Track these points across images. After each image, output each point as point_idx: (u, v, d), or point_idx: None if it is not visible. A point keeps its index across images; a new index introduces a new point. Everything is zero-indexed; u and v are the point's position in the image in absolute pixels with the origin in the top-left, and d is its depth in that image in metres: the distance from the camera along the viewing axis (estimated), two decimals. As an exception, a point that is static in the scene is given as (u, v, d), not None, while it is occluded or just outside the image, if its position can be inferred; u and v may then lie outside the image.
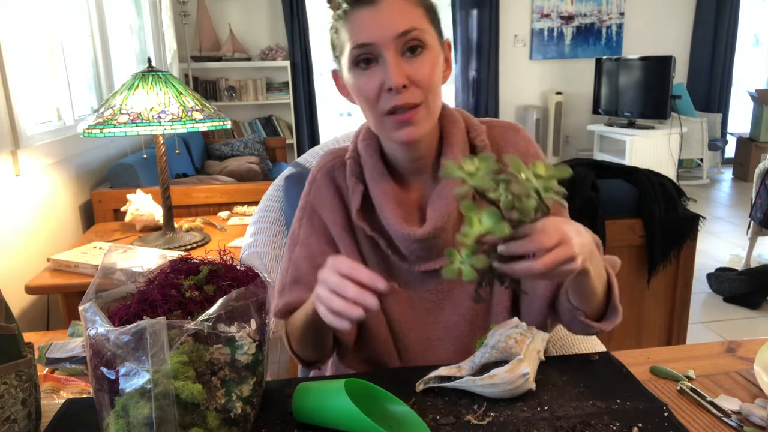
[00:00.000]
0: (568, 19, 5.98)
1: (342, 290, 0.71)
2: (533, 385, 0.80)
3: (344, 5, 0.87)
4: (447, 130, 0.95)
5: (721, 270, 3.31)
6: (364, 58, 0.86)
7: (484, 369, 0.82)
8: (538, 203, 0.66)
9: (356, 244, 0.99)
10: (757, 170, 3.36)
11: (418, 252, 0.94)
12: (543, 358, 0.86)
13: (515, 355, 0.80)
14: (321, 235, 0.99)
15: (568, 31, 6.01)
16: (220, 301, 0.66)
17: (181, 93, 1.93)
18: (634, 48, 6.04)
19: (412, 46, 0.85)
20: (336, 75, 0.96)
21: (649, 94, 5.32)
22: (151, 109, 1.85)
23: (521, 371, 0.77)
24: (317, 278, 0.76)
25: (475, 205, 0.67)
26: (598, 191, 2.01)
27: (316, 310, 0.76)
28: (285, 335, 0.99)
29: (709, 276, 3.25)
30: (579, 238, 0.74)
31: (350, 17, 0.86)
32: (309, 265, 0.97)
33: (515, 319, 0.86)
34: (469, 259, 0.68)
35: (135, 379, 0.61)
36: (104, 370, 0.63)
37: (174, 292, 0.70)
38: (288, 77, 5.40)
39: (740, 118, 6.36)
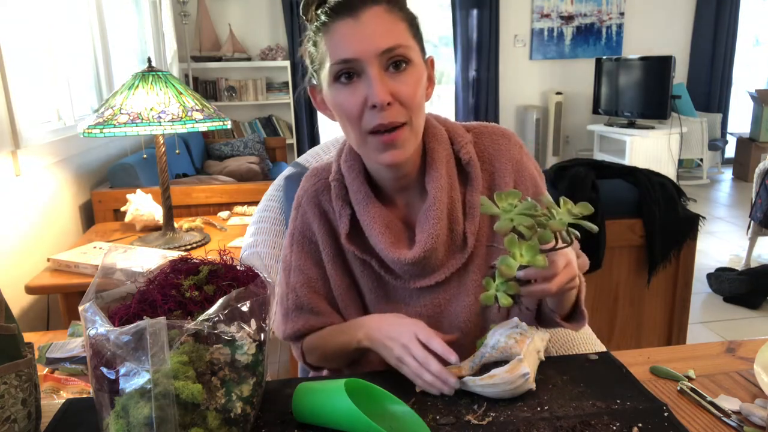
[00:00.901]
0: (568, 19, 5.98)
1: (427, 365, 0.81)
2: (533, 385, 0.80)
3: (323, 17, 0.84)
4: (430, 145, 0.93)
5: (721, 270, 3.31)
6: (346, 73, 0.82)
7: (484, 369, 0.82)
8: (566, 236, 0.76)
9: (347, 267, 0.99)
10: (757, 170, 3.36)
11: (410, 271, 0.94)
12: (543, 358, 0.86)
13: (515, 355, 0.80)
14: (314, 260, 1.00)
15: (568, 31, 6.01)
16: (220, 301, 0.66)
17: (181, 93, 1.94)
18: (634, 48, 6.04)
19: (396, 62, 0.82)
20: (313, 90, 0.92)
21: (649, 94, 5.32)
22: (151, 109, 1.85)
23: (521, 371, 0.77)
24: (385, 337, 0.86)
25: (516, 240, 0.74)
26: (598, 191, 2.01)
27: (360, 346, 0.89)
28: (300, 354, 1.02)
29: (709, 276, 3.25)
30: (572, 255, 0.82)
31: (330, 30, 0.83)
32: (308, 291, 0.99)
33: (515, 319, 0.86)
34: (503, 287, 0.77)
35: (135, 379, 0.61)
36: (104, 370, 0.63)
37: (174, 292, 0.70)
38: (288, 77, 5.40)
39: (740, 118, 6.36)
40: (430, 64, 0.91)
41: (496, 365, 0.80)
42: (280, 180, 1.38)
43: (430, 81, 0.91)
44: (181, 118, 1.86)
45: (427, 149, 0.93)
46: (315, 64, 0.88)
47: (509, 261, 0.75)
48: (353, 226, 0.95)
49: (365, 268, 0.97)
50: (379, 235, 0.92)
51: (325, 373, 1.06)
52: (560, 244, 0.77)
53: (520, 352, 0.80)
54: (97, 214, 2.52)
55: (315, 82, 0.91)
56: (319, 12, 0.85)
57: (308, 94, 0.94)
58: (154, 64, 2.04)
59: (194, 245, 2.04)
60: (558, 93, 5.90)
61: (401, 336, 0.84)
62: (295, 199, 1.02)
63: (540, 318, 0.96)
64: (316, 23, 0.85)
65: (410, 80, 0.83)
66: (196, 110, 1.91)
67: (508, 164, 0.96)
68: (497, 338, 0.83)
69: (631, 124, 5.45)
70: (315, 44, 0.87)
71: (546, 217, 0.75)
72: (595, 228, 0.76)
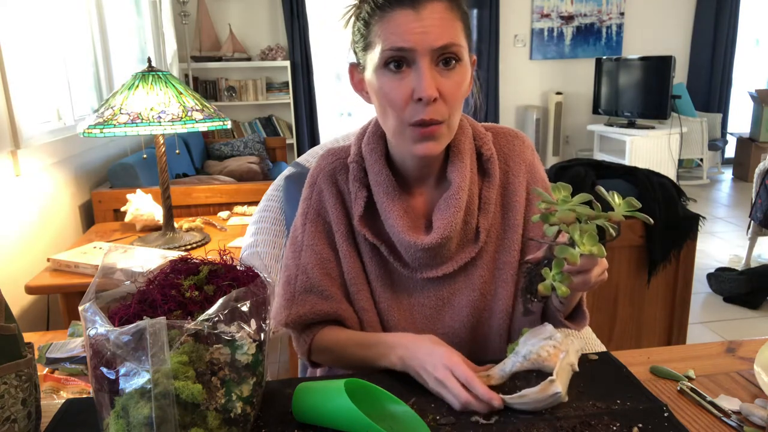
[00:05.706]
0: (568, 19, 5.98)
1: (470, 407, 0.76)
2: (565, 399, 0.77)
3: (382, 2, 0.83)
4: (456, 137, 0.94)
5: (721, 270, 3.31)
6: (396, 61, 0.83)
7: (513, 377, 0.81)
8: (611, 231, 0.77)
9: (357, 250, 0.98)
10: (757, 170, 3.36)
11: (421, 260, 0.94)
12: (577, 369, 0.82)
13: (547, 368, 0.78)
14: (327, 241, 0.98)
15: (568, 31, 6.01)
16: (220, 301, 0.66)
17: (181, 93, 1.93)
18: (634, 48, 6.04)
19: (447, 59, 0.83)
20: (353, 69, 0.93)
21: (649, 94, 5.32)
22: (151, 109, 1.85)
23: (552, 390, 0.75)
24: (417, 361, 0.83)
25: (579, 229, 0.75)
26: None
27: (383, 364, 0.87)
28: (307, 349, 0.98)
29: (709, 276, 3.25)
30: None
31: (388, 16, 0.83)
32: (320, 272, 0.97)
33: (549, 329, 0.83)
34: (559, 277, 0.76)
35: (135, 379, 0.61)
36: (104, 370, 0.63)
37: (174, 292, 0.70)
38: (288, 77, 5.40)
39: (740, 118, 6.36)
40: (472, 63, 0.91)
41: (527, 374, 0.79)
42: (280, 180, 1.38)
43: (471, 79, 0.92)
44: (181, 118, 1.86)
45: (452, 141, 0.94)
46: (361, 44, 0.88)
47: (572, 250, 0.74)
48: (368, 209, 0.95)
49: (374, 254, 0.97)
50: (398, 218, 0.92)
51: (321, 372, 1.06)
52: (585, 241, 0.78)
53: (553, 366, 0.77)
54: (97, 214, 2.52)
55: (357, 61, 0.91)
56: None
57: (348, 72, 0.94)
58: (154, 64, 2.04)
59: (194, 245, 2.04)
60: (558, 93, 5.90)
61: (435, 369, 0.80)
62: (309, 177, 1.02)
63: (544, 317, 0.96)
64: (371, 2, 0.85)
65: (457, 78, 0.85)
66: (196, 110, 1.91)
67: (522, 165, 0.98)
68: (529, 348, 0.81)
69: (631, 124, 5.45)
70: (367, 25, 0.86)
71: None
72: (650, 220, 0.79)
